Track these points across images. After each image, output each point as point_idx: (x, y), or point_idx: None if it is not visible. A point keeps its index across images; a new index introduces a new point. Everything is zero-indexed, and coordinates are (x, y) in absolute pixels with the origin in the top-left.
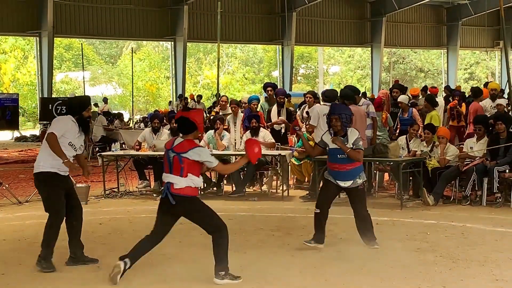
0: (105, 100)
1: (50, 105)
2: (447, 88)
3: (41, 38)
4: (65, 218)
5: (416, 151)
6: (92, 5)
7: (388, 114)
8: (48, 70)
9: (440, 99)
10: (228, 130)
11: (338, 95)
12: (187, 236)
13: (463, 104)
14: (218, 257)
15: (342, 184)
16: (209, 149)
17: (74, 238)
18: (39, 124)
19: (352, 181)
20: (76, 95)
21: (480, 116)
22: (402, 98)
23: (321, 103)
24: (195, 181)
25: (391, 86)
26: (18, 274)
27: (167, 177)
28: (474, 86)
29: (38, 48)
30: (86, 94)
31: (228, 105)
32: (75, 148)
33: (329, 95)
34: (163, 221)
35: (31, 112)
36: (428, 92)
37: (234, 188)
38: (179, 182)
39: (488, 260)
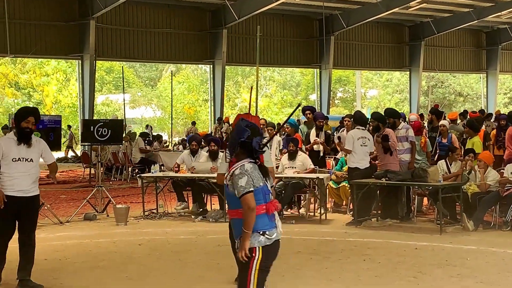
0: (147, 127)
1: (92, 127)
2: (481, 111)
3: (83, 61)
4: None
5: (458, 173)
6: (133, 28)
7: (427, 139)
8: (90, 92)
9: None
10: None
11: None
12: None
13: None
14: None
15: None
16: None
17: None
18: (81, 145)
19: None
20: (118, 117)
21: None
22: (444, 122)
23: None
24: None
25: (429, 110)
26: None
27: None
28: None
29: (80, 71)
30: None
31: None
32: (25, 159)
33: (357, 118)
34: None
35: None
36: (469, 117)
37: None
38: None
39: None
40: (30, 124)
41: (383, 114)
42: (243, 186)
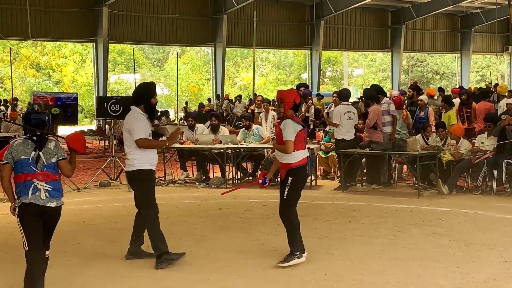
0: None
1: (106, 103)
2: (460, 88)
3: (97, 44)
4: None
5: (434, 146)
6: (142, 14)
7: (408, 112)
8: (103, 73)
9: (456, 100)
10: (260, 125)
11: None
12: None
13: (473, 103)
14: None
15: None
16: (244, 143)
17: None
18: (96, 120)
19: None
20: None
21: (490, 115)
22: (422, 97)
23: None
24: None
25: (409, 87)
26: (77, 252)
27: (307, 151)
28: (481, 87)
29: (95, 53)
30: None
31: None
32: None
33: (343, 95)
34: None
35: (88, 110)
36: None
37: None
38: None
39: (497, 244)
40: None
41: (370, 89)
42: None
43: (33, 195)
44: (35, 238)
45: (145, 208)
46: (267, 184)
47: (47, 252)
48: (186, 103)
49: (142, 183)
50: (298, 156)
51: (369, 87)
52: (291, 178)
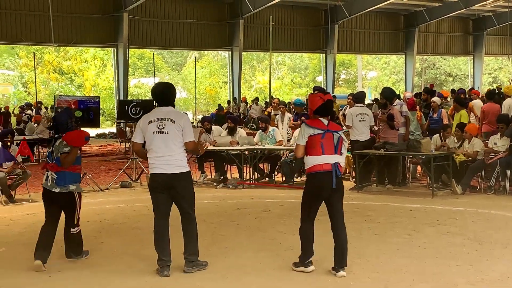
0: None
1: (126, 106)
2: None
3: (117, 49)
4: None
5: (451, 147)
6: (161, 20)
7: (422, 114)
8: (124, 77)
9: (477, 101)
10: (277, 127)
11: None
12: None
13: (470, 103)
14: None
15: None
16: (261, 145)
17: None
18: (116, 122)
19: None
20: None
21: (503, 115)
22: (435, 99)
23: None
24: None
25: (423, 90)
26: (100, 251)
27: (333, 158)
28: (490, 89)
29: (115, 58)
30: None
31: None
32: None
33: (358, 97)
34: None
35: (109, 113)
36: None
37: (284, 179)
38: (342, 161)
39: (510, 242)
40: None
41: (387, 90)
42: None
43: (45, 182)
44: (47, 214)
45: (193, 211)
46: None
47: (72, 230)
48: (229, 101)
49: (192, 185)
50: (309, 162)
51: (382, 89)
52: (305, 185)
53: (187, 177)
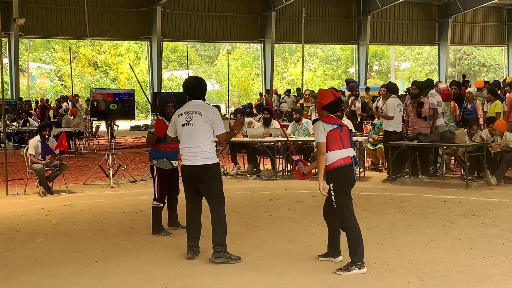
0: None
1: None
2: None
3: (151, 42)
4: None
5: (484, 138)
6: (194, 13)
7: (456, 104)
8: (158, 69)
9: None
10: (310, 119)
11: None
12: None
13: None
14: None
15: None
16: (294, 136)
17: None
18: (151, 115)
19: None
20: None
21: None
22: (470, 90)
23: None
24: None
25: (450, 82)
26: (136, 241)
27: (351, 151)
28: None
29: (149, 51)
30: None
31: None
32: None
33: (393, 88)
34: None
35: (143, 105)
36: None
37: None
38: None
39: None
40: None
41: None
42: None
43: None
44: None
45: (221, 204)
46: (306, 176)
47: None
48: (261, 94)
49: (220, 176)
50: (331, 157)
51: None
52: (331, 184)
53: (214, 168)
